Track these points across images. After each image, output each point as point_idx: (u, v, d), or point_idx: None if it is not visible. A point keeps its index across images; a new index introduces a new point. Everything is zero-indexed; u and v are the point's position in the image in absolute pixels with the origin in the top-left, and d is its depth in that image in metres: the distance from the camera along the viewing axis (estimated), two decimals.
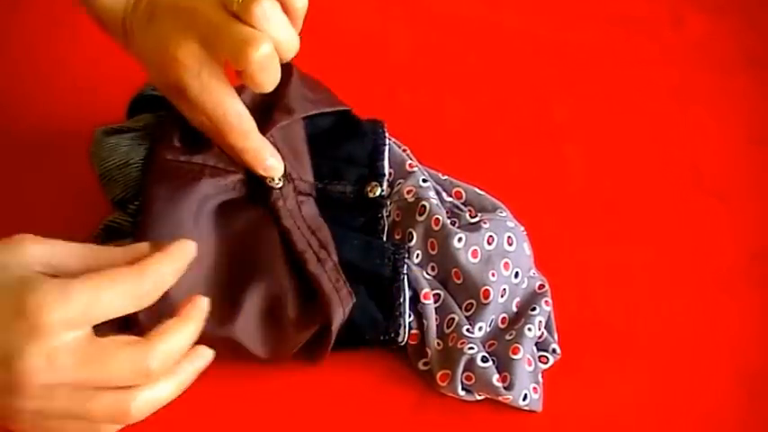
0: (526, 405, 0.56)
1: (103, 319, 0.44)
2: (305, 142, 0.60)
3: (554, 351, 0.58)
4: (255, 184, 0.57)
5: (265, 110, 0.58)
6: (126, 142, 0.59)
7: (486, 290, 0.58)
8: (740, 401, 0.59)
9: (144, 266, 0.45)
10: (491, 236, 0.59)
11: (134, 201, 0.58)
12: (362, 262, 0.57)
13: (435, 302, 0.58)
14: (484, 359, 0.56)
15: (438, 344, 0.57)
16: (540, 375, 0.57)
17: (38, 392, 0.42)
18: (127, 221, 0.57)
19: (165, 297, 0.46)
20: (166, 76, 0.52)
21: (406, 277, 0.57)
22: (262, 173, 0.56)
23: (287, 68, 0.58)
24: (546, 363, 0.58)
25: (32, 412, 0.44)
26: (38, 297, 0.42)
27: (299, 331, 0.54)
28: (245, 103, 0.54)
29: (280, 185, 0.56)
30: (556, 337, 0.59)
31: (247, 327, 0.54)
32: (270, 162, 0.56)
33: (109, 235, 0.58)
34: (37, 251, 0.46)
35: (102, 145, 0.59)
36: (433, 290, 0.58)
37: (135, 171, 0.58)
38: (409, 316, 0.57)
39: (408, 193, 0.60)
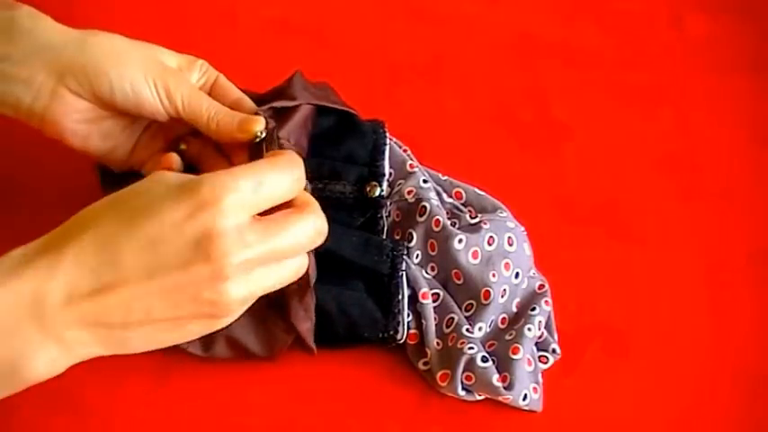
0: (526, 405, 0.56)
1: (271, 202, 0.46)
2: (305, 150, 0.60)
3: (554, 351, 0.58)
4: None
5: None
6: None
7: (487, 290, 0.58)
8: (740, 402, 0.59)
9: (292, 154, 0.48)
10: (491, 236, 0.59)
11: None
12: (361, 258, 0.57)
13: (434, 302, 0.58)
14: (484, 359, 0.56)
15: (438, 344, 0.57)
16: (540, 375, 0.57)
17: (238, 273, 0.45)
18: None
19: None
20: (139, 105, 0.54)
21: (404, 274, 0.57)
22: (239, 135, 0.55)
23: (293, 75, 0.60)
24: (546, 363, 0.58)
25: (238, 299, 0.46)
26: (212, 185, 0.44)
27: (285, 331, 0.55)
28: (257, 101, 0.58)
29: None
30: (556, 337, 0.59)
31: (244, 327, 0.55)
32: (238, 119, 0.55)
33: None
34: None
35: None
36: (432, 290, 0.58)
37: (139, 178, 0.59)
38: (408, 315, 0.57)
39: (409, 193, 0.60)
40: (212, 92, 0.58)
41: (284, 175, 0.47)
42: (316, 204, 0.48)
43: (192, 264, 0.44)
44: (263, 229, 0.45)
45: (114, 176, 0.61)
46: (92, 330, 0.45)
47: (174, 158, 0.55)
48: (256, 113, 0.56)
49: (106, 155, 0.57)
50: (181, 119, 0.55)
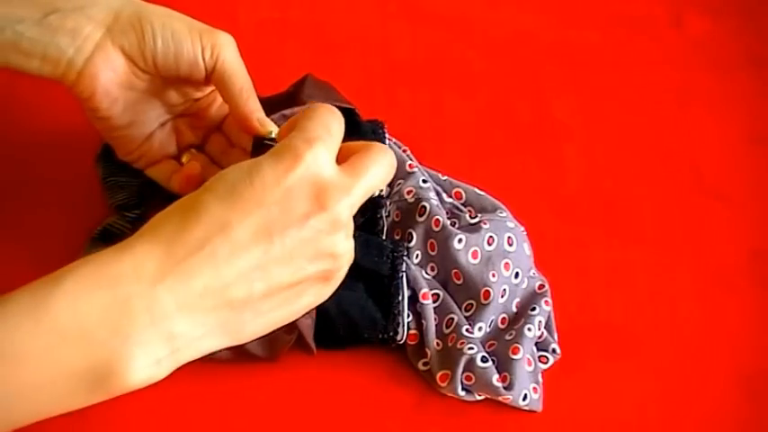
0: (526, 405, 0.56)
1: (339, 142, 0.47)
2: None
3: (554, 351, 0.58)
4: None
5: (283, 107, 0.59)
6: None
7: (487, 290, 0.58)
8: (740, 401, 0.59)
9: (323, 105, 0.49)
10: (491, 236, 0.59)
11: (135, 208, 0.59)
12: (361, 259, 0.57)
13: (434, 303, 0.58)
14: (484, 359, 0.56)
15: (437, 344, 0.57)
16: (540, 375, 0.58)
17: (348, 220, 0.46)
18: (126, 226, 0.58)
19: None
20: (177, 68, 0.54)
21: (404, 275, 0.57)
22: (256, 124, 0.55)
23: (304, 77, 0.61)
24: (546, 363, 0.58)
25: (349, 250, 0.47)
26: (301, 139, 0.45)
27: (287, 332, 0.55)
28: (267, 103, 0.58)
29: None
30: (556, 337, 0.59)
31: None
32: (259, 114, 0.55)
33: (106, 238, 0.58)
34: None
35: (111, 151, 0.60)
36: (432, 290, 0.58)
37: (141, 181, 0.60)
38: (408, 315, 0.57)
39: (408, 193, 0.60)
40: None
41: (334, 117, 0.48)
42: (375, 143, 0.49)
43: (309, 216, 0.44)
44: (352, 173, 0.46)
45: (114, 175, 0.61)
46: (209, 316, 0.42)
47: (197, 167, 0.57)
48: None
49: (121, 128, 0.57)
50: (215, 80, 0.55)
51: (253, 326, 0.45)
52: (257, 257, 0.43)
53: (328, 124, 0.46)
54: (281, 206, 0.43)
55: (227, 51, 0.54)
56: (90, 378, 0.41)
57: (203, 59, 0.54)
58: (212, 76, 0.55)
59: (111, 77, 0.54)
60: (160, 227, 0.43)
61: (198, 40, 0.54)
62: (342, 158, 0.47)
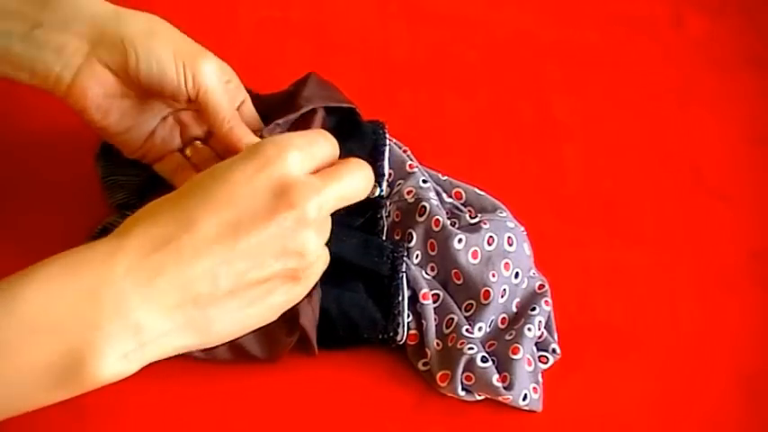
0: (526, 405, 0.56)
1: (320, 160, 0.48)
2: None
3: (554, 351, 0.58)
4: None
5: (282, 109, 0.59)
6: None
7: (487, 290, 0.58)
8: (740, 401, 0.59)
9: (320, 130, 0.51)
10: (491, 236, 0.59)
11: (135, 207, 0.59)
12: (361, 260, 0.57)
13: (434, 303, 0.58)
14: (484, 359, 0.56)
15: (437, 344, 0.57)
16: (540, 375, 0.57)
17: (317, 219, 0.46)
18: None
19: None
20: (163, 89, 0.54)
21: (404, 276, 0.57)
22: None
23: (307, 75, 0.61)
24: (546, 363, 0.58)
25: (318, 249, 0.47)
26: (273, 143, 0.46)
27: (288, 334, 0.55)
28: (267, 102, 0.60)
29: None
30: (556, 337, 0.59)
31: None
32: (247, 140, 0.55)
33: None
34: None
35: (110, 149, 0.60)
36: (432, 290, 0.58)
37: (140, 180, 0.60)
38: (408, 315, 0.57)
39: (408, 193, 0.60)
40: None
41: (325, 140, 0.49)
42: (358, 159, 0.50)
43: (275, 212, 0.44)
44: (326, 176, 0.47)
45: (114, 174, 0.61)
46: (175, 313, 0.43)
47: None
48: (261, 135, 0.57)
49: (120, 134, 0.57)
50: (198, 107, 0.55)
51: (221, 325, 0.45)
52: (222, 254, 0.44)
53: (312, 139, 0.48)
54: (248, 204, 0.44)
55: (209, 81, 0.54)
56: (59, 371, 0.42)
57: (186, 88, 0.54)
58: (196, 103, 0.55)
59: (100, 92, 0.54)
60: (133, 225, 0.44)
61: (181, 69, 0.54)
62: None
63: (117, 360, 0.42)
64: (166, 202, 0.46)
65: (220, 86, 0.55)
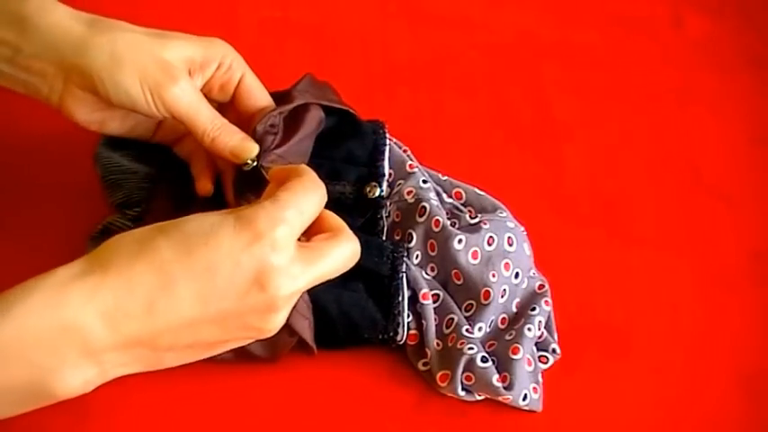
0: (526, 405, 0.56)
1: (308, 224, 0.48)
2: (308, 154, 0.60)
3: (554, 351, 0.58)
4: None
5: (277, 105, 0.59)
6: (133, 152, 0.61)
7: (487, 291, 0.58)
8: (740, 401, 0.59)
9: (313, 174, 0.50)
10: (491, 237, 0.59)
11: (135, 206, 0.59)
12: (361, 260, 0.57)
13: (434, 303, 0.58)
14: (484, 359, 0.56)
15: (437, 344, 0.57)
16: (540, 375, 0.57)
17: (287, 304, 0.47)
18: (126, 225, 0.58)
19: None
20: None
21: (404, 276, 0.57)
22: (231, 158, 0.56)
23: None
24: (546, 363, 0.58)
25: (281, 325, 0.48)
26: (267, 218, 0.46)
27: (290, 335, 0.55)
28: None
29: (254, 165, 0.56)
30: (556, 337, 0.59)
31: None
32: (232, 144, 0.56)
33: (106, 237, 0.58)
34: None
35: (109, 149, 0.60)
36: (432, 290, 0.58)
37: (139, 178, 0.60)
38: (408, 315, 0.57)
39: (408, 194, 0.60)
40: (236, 92, 0.58)
41: (315, 197, 0.49)
42: (347, 228, 0.50)
43: (248, 294, 0.46)
44: (307, 260, 0.47)
45: (114, 173, 0.61)
46: (133, 351, 0.46)
47: (209, 187, 0.59)
48: (265, 116, 0.56)
49: (128, 132, 0.59)
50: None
51: (174, 362, 0.48)
52: (190, 318, 0.45)
53: (301, 203, 0.47)
54: (226, 280, 0.45)
55: (180, 104, 0.54)
56: (24, 392, 0.45)
57: (159, 112, 0.54)
58: (174, 120, 0.55)
59: (87, 111, 0.56)
60: (114, 259, 0.45)
61: (149, 97, 0.54)
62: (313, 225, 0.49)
63: (79, 385, 0.45)
64: (150, 241, 0.46)
65: (195, 102, 0.55)
